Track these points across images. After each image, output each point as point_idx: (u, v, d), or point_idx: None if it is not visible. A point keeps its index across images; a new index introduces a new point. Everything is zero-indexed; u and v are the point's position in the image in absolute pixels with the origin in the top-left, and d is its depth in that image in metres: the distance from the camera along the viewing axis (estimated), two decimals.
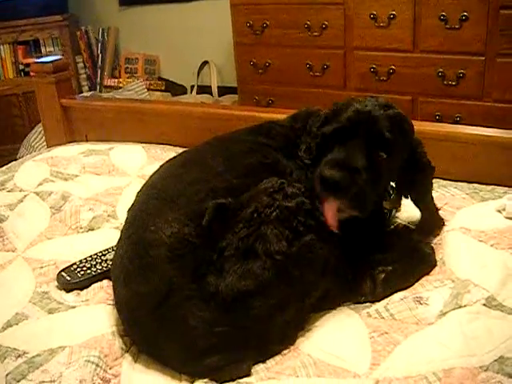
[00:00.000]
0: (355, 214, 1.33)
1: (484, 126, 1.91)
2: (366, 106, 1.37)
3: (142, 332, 1.26)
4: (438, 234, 1.55)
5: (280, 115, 1.80)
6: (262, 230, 1.21)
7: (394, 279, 1.38)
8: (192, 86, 4.52)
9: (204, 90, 4.41)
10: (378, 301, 1.35)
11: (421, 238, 1.52)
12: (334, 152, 1.33)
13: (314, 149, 1.44)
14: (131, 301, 1.26)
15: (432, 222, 1.56)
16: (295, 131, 1.56)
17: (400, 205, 1.62)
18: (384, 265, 1.38)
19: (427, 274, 1.42)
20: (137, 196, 1.44)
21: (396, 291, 1.36)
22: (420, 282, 1.39)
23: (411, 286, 1.38)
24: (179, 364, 1.23)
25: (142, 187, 1.46)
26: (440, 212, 1.66)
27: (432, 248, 1.47)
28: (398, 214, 1.63)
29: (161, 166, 1.53)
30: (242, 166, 1.42)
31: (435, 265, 1.44)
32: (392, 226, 1.55)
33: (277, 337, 1.24)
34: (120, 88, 4.41)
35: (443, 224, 1.58)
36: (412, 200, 1.53)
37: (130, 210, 1.41)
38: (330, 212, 1.29)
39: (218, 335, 1.18)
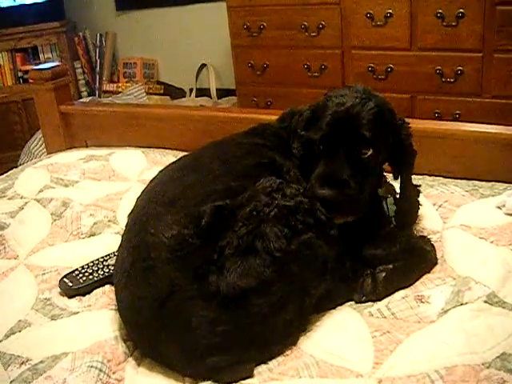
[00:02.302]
0: (351, 219, 1.37)
1: (483, 123, 1.91)
2: (344, 103, 1.39)
3: (144, 334, 1.26)
4: (415, 220, 1.58)
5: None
6: (261, 228, 1.22)
7: (395, 278, 1.38)
8: (191, 89, 4.53)
9: (203, 92, 4.42)
10: (380, 300, 1.35)
11: (413, 233, 1.54)
12: (321, 166, 1.38)
13: (300, 149, 1.48)
14: (133, 304, 1.26)
15: (409, 207, 1.56)
16: (287, 129, 1.59)
17: (394, 190, 1.62)
18: (384, 263, 1.39)
19: (428, 272, 1.42)
20: (136, 201, 1.44)
21: (397, 290, 1.37)
22: (421, 280, 1.39)
23: (412, 284, 1.38)
24: (182, 365, 1.23)
25: (142, 192, 1.47)
26: (440, 210, 1.66)
27: (432, 246, 1.47)
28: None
29: (160, 172, 1.53)
30: (240, 167, 1.42)
31: (436, 263, 1.44)
32: (392, 225, 1.55)
33: (279, 337, 1.24)
34: (119, 93, 4.41)
35: (418, 206, 1.58)
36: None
37: (129, 214, 1.42)
38: None
39: (220, 335, 1.18)
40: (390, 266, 1.38)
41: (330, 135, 1.37)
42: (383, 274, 1.37)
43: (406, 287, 1.37)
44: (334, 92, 1.45)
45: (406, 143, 1.47)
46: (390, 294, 1.36)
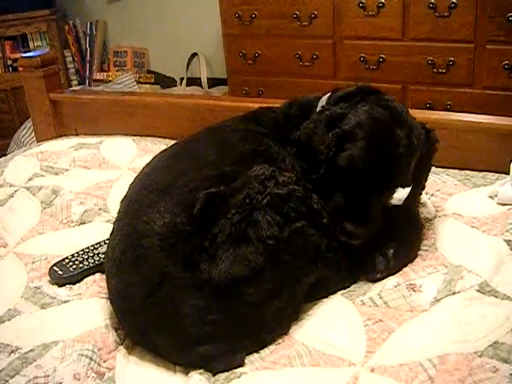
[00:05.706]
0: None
1: (475, 113, 1.91)
2: (399, 141, 1.33)
3: (135, 322, 1.26)
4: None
5: (270, 105, 1.79)
6: (253, 216, 1.21)
7: (403, 252, 1.41)
8: (181, 79, 4.50)
9: (194, 82, 4.39)
10: (389, 275, 1.38)
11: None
12: (350, 198, 1.34)
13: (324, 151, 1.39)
14: (124, 291, 1.25)
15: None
16: (287, 116, 1.55)
17: None
18: (390, 240, 1.40)
19: None
20: (129, 188, 1.44)
21: (394, 273, 1.38)
22: (413, 268, 1.39)
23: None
24: (173, 354, 1.23)
25: (135, 179, 1.46)
26: (432, 199, 1.66)
27: None
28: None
29: (153, 158, 1.52)
30: (235, 154, 1.41)
31: None
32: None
33: (270, 325, 1.24)
34: (109, 81, 4.38)
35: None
36: None
37: (122, 201, 1.41)
38: None
39: (211, 323, 1.17)
40: (395, 243, 1.40)
41: (369, 166, 1.32)
42: (392, 250, 1.38)
43: (400, 271, 1.39)
44: (381, 115, 1.36)
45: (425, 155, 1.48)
46: (386, 276, 1.38)
